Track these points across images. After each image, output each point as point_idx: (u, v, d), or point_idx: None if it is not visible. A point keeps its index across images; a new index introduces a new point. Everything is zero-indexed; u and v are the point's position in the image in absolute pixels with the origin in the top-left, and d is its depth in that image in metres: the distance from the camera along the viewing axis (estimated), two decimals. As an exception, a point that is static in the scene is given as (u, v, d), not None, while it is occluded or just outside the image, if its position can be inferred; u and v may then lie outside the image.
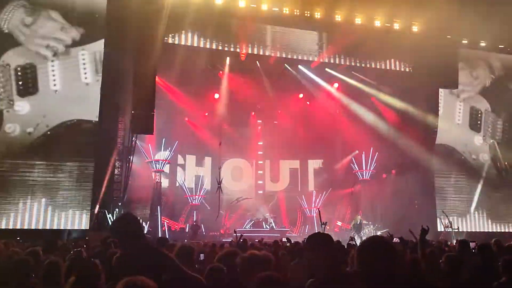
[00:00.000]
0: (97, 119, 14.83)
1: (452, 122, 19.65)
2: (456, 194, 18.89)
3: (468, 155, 19.63)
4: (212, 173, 20.88)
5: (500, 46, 19.95)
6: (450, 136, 19.42)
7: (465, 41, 19.18)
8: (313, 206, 20.79)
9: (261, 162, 22.78)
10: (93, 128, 14.84)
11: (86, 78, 15.17)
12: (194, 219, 18.88)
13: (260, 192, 22.30)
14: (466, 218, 18.59)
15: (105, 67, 14.97)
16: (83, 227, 14.22)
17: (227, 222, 19.69)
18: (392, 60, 19.21)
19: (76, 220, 14.33)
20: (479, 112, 20.07)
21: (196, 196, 20.04)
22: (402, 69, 19.43)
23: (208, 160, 21.69)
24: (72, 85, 14.95)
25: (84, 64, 15.12)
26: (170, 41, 16.85)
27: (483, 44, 19.57)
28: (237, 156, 22.35)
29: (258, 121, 22.69)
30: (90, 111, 14.88)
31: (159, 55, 15.44)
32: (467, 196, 18.96)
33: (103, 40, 15.03)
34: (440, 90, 19.16)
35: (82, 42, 15.10)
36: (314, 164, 23.06)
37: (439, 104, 19.13)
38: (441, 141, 19.09)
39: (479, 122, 20.03)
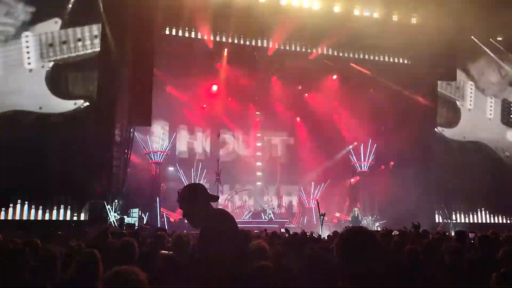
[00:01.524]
0: (40, 110, 13.85)
1: (483, 116, 19.61)
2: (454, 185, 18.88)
3: (500, 152, 19.62)
4: (211, 165, 20.83)
5: (498, 39, 19.88)
6: (480, 132, 19.39)
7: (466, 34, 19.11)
8: (311, 198, 20.84)
9: (260, 154, 22.73)
10: (35, 120, 13.79)
11: (29, 64, 14.15)
12: None
13: (259, 183, 22.30)
14: (463, 209, 18.63)
15: (102, 59, 14.86)
16: (82, 219, 14.23)
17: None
18: (391, 52, 19.16)
19: (75, 211, 14.33)
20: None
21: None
22: (401, 61, 19.40)
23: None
24: (14, 72, 13.94)
25: (27, 48, 14.00)
26: (167, 32, 16.76)
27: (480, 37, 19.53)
28: (236, 147, 22.30)
29: (257, 113, 22.63)
30: (32, 101, 13.86)
31: (157, 47, 15.37)
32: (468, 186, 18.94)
33: (56, 19, 14.14)
34: (470, 84, 19.16)
35: (33, 22, 14.04)
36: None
37: (470, 99, 19.03)
38: (470, 138, 19.00)
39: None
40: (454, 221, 16.76)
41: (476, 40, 19.11)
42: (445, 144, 19.30)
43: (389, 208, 18.35)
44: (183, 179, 20.19)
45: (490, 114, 19.81)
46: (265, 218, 19.01)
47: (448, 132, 19.51)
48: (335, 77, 20.63)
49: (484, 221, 18.60)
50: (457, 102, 19.70)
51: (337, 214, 20.67)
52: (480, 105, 19.86)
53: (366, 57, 19.21)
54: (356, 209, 18.98)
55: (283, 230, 10.43)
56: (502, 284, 3.08)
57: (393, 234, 7.47)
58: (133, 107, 15.36)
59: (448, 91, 19.55)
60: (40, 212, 13.91)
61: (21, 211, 13.71)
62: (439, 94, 19.31)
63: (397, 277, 3.85)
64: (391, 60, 19.38)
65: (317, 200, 17.53)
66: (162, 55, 16.37)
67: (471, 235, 7.52)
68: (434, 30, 17.06)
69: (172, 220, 18.34)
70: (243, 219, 19.12)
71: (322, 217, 13.67)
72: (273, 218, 18.93)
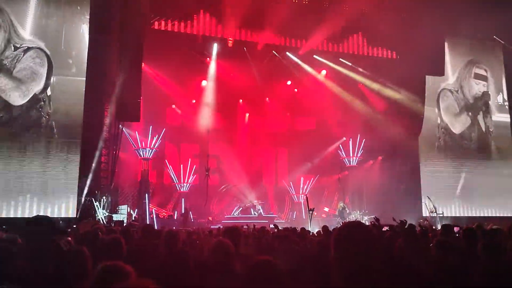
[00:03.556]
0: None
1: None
2: (442, 179, 19.12)
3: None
4: (201, 161, 20.82)
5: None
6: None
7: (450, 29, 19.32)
8: (300, 193, 20.94)
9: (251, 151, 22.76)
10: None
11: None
12: (183, 207, 18.83)
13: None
14: (451, 203, 18.88)
15: (90, 53, 14.70)
16: (70, 216, 14.11)
17: (215, 209, 19.74)
18: (379, 47, 19.27)
19: (63, 208, 14.21)
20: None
21: (184, 184, 19.99)
22: (389, 56, 19.52)
23: (195, 148, 21.54)
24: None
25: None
26: (156, 27, 16.63)
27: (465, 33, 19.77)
28: (226, 144, 22.26)
29: (246, 108, 22.62)
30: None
31: (145, 41, 15.24)
32: (453, 181, 19.22)
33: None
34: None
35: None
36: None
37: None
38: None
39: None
40: (441, 215, 16.96)
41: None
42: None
43: (377, 202, 18.54)
44: (172, 176, 20.17)
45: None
46: (254, 213, 19.07)
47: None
48: (324, 72, 20.69)
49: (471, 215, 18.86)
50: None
51: (326, 209, 20.81)
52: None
53: (355, 52, 19.30)
54: (341, 203, 19.15)
55: (272, 225, 10.49)
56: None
57: (384, 229, 7.57)
58: (121, 103, 15.22)
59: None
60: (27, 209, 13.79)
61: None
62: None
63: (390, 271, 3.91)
64: (380, 55, 19.48)
65: (306, 195, 17.63)
66: (151, 50, 16.26)
67: (456, 228, 7.64)
68: (423, 25, 17.19)
69: (161, 216, 18.30)
70: (233, 214, 19.15)
71: (311, 212, 13.77)
72: (263, 214, 18.99)
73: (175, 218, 18.21)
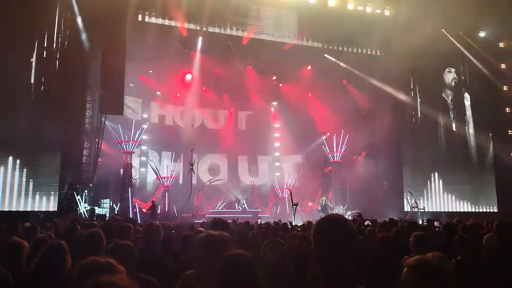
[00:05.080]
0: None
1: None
2: (422, 175, 19.41)
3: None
4: (184, 156, 20.71)
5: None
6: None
7: (434, 26, 19.52)
8: (284, 187, 21.03)
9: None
10: None
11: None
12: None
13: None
14: (431, 198, 19.19)
15: (71, 45, 14.43)
16: (51, 209, 13.89)
17: (199, 204, 19.67)
18: (364, 44, 19.37)
19: (44, 202, 13.98)
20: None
21: (168, 178, 19.85)
22: (374, 53, 19.64)
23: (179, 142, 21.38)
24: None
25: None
26: (140, 19, 16.37)
27: (450, 30, 20.03)
28: (210, 138, 22.19)
29: (231, 102, 22.57)
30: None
31: (129, 33, 15.02)
32: (433, 176, 19.53)
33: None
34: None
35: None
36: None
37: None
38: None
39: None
40: (422, 210, 17.22)
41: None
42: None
43: (360, 197, 18.74)
44: (156, 170, 20.01)
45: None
46: (238, 208, 19.07)
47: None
48: (309, 67, 20.73)
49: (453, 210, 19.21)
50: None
51: (310, 204, 20.95)
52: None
53: (340, 48, 19.37)
54: (324, 197, 19.31)
55: (259, 221, 10.53)
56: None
57: (365, 223, 7.67)
58: (104, 95, 15.00)
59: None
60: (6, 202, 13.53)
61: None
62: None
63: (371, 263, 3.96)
64: (365, 51, 19.59)
65: (290, 190, 17.73)
66: (135, 43, 16.03)
67: (436, 223, 7.79)
68: (407, 22, 17.36)
69: (144, 211, 18.12)
70: (217, 209, 19.13)
71: (295, 206, 13.87)
72: (247, 208, 19.01)
73: (158, 212, 18.05)
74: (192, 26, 17.45)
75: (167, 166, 20.17)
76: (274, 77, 21.49)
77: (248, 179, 22.28)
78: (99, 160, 16.05)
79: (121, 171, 17.80)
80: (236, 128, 22.80)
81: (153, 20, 16.73)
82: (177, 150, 20.63)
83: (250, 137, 22.16)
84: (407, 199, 18.00)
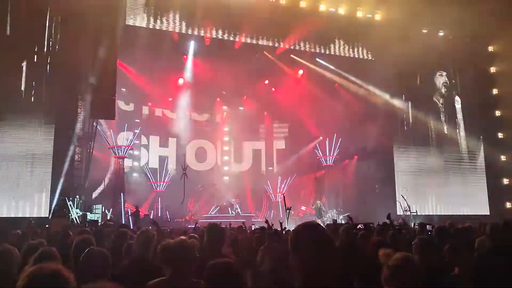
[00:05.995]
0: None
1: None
2: (414, 178, 19.52)
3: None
4: (177, 156, 20.61)
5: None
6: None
7: (425, 30, 19.72)
8: (278, 192, 21.02)
9: (226, 145, 22.73)
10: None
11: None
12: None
13: (226, 178, 22.27)
14: (423, 201, 19.28)
15: (62, 49, 14.34)
16: (42, 215, 13.76)
17: (192, 208, 19.58)
18: (355, 48, 19.48)
19: (35, 208, 13.84)
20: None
21: (161, 183, 19.77)
22: (365, 57, 19.76)
23: (172, 142, 21.25)
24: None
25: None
26: (131, 23, 16.31)
27: (441, 33, 20.24)
28: (203, 143, 22.18)
29: (224, 107, 22.55)
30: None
31: (121, 38, 14.95)
32: (425, 179, 19.63)
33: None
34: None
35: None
36: (277, 145, 23.18)
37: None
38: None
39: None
40: (414, 213, 17.29)
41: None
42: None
43: (352, 200, 18.79)
44: (149, 175, 19.91)
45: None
46: (232, 212, 19.02)
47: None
48: (301, 72, 20.79)
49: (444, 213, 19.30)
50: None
51: (303, 208, 20.95)
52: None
53: (332, 52, 19.45)
54: (318, 201, 19.33)
55: (254, 226, 10.52)
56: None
57: (358, 227, 7.65)
58: (96, 100, 14.89)
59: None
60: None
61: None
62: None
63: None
64: (357, 55, 19.70)
65: (283, 194, 17.73)
66: (126, 47, 15.97)
67: (428, 226, 7.82)
68: (398, 27, 17.50)
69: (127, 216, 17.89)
70: (210, 213, 19.05)
71: (288, 211, 13.86)
72: (240, 213, 18.96)
73: (151, 218, 17.91)
74: (184, 31, 17.42)
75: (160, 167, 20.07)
76: (267, 81, 21.50)
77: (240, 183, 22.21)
78: (91, 164, 15.92)
79: (110, 176, 17.71)
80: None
81: (145, 24, 16.68)
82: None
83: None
84: (399, 203, 18.07)
